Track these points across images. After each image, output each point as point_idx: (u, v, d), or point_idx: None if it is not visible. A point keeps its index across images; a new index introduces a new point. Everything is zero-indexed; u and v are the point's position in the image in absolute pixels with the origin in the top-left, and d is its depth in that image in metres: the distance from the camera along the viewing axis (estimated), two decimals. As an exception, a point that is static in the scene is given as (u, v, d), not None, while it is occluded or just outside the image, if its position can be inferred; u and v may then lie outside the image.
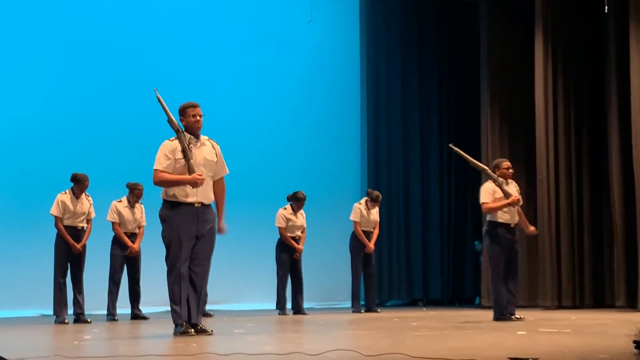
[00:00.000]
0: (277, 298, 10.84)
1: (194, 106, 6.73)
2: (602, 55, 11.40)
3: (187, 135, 6.69)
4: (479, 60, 12.81)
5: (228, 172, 6.86)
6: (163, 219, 6.64)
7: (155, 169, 6.61)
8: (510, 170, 8.63)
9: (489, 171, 8.63)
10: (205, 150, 6.72)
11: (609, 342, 5.66)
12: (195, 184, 6.53)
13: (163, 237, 6.65)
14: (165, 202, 6.67)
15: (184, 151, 6.60)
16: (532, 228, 8.92)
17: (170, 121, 6.66)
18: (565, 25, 11.71)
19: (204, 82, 12.33)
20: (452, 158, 14.29)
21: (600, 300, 11.33)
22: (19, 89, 11.56)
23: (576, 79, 11.71)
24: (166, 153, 6.61)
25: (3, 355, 3.39)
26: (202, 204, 6.64)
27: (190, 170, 6.56)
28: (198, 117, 6.70)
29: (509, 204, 8.39)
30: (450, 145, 9.06)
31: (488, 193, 8.47)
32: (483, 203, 8.47)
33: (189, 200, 6.58)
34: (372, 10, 14.20)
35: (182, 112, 6.74)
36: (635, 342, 3.12)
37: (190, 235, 6.56)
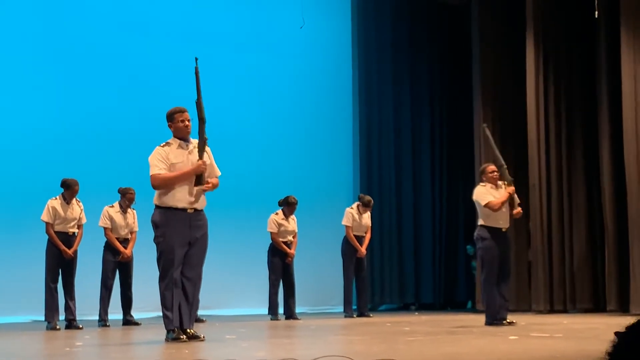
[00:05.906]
0: (269, 303, 10.82)
1: (182, 111, 6.72)
2: (593, 59, 11.43)
3: (177, 141, 6.68)
4: (471, 63, 12.83)
5: (220, 173, 6.81)
6: (156, 225, 6.59)
7: (152, 174, 6.52)
8: (496, 174, 8.61)
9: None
10: (196, 155, 6.66)
11: (600, 346, 5.62)
12: (200, 171, 6.51)
13: (156, 243, 6.61)
14: (157, 207, 6.60)
15: (201, 143, 6.57)
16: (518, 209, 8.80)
17: (198, 104, 6.64)
18: (557, 29, 11.74)
19: (194, 86, 12.25)
20: (444, 162, 14.33)
21: (592, 304, 11.34)
22: (9, 95, 11.49)
23: (568, 82, 11.73)
24: (160, 158, 6.57)
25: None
26: (195, 209, 6.62)
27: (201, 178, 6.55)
28: (187, 122, 6.68)
29: (510, 194, 8.43)
30: (483, 125, 9.15)
31: (485, 195, 8.45)
32: (488, 203, 8.41)
33: (182, 205, 6.55)
34: (364, 16, 14.20)
35: (170, 117, 6.72)
36: (608, 354, 3.04)
37: (183, 241, 6.52)
